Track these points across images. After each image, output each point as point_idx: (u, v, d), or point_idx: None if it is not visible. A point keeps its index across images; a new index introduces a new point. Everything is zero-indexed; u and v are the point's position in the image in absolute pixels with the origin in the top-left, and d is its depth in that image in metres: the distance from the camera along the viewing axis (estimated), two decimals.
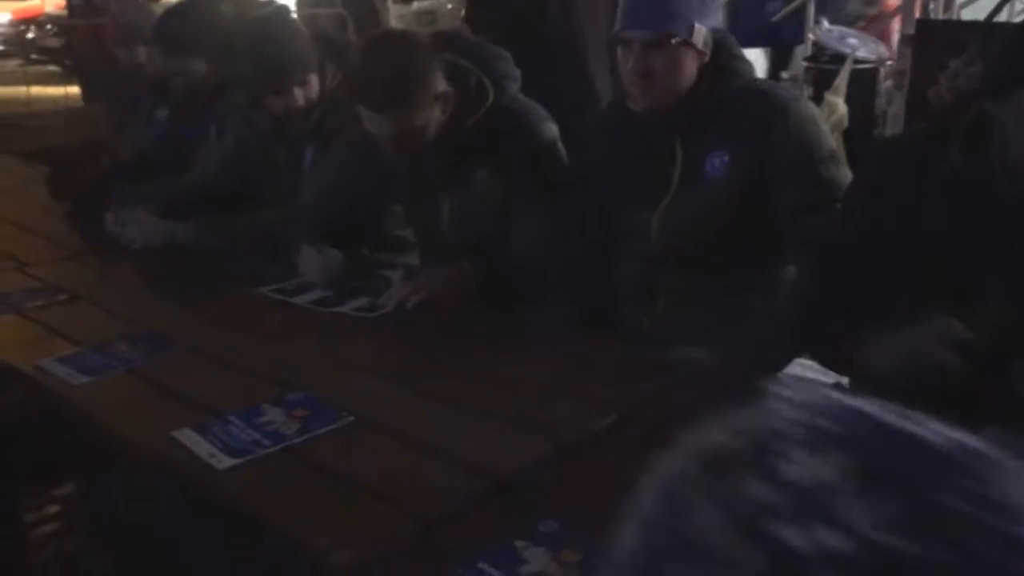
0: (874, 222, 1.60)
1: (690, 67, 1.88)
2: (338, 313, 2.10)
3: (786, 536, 0.38)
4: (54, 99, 7.24)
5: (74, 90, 6.36)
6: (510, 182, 2.23)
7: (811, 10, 6.29)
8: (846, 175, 1.90)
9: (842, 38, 6.12)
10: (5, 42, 14.69)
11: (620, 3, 1.89)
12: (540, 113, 2.26)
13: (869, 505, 0.39)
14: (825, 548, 0.38)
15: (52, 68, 13.91)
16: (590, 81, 3.46)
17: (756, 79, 2.02)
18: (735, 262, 1.96)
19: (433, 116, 2.12)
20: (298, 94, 2.54)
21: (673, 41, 1.84)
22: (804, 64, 6.08)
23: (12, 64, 13.85)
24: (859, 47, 5.99)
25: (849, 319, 1.58)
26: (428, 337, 1.95)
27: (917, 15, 6.09)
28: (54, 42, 14.15)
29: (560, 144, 2.26)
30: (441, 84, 2.11)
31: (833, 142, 1.96)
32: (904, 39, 5.78)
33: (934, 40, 5.32)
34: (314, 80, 2.58)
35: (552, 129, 2.25)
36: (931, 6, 6.05)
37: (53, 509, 2.93)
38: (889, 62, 5.96)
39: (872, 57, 5.91)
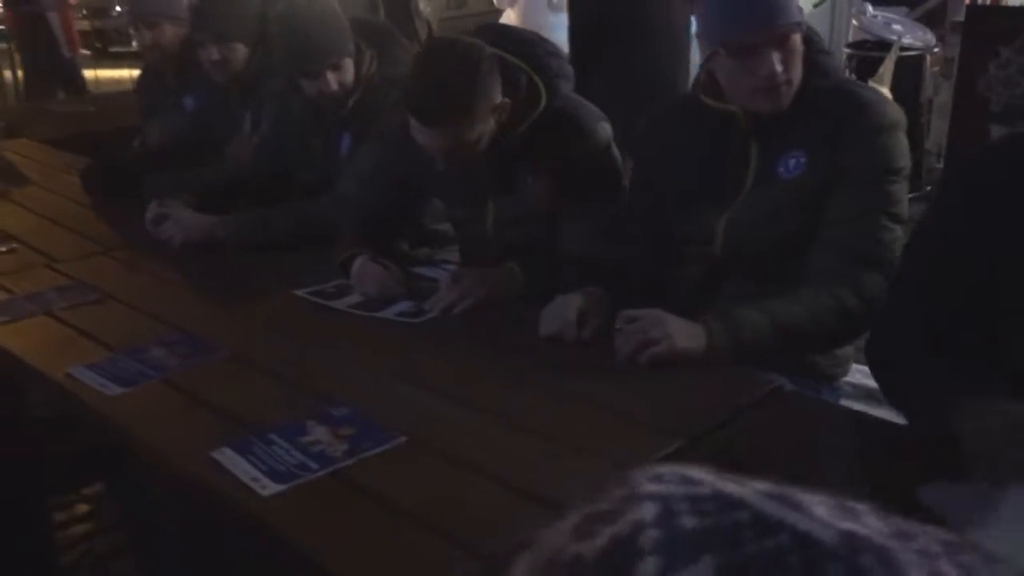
0: (977, 244, 1.44)
1: (801, 60, 1.77)
2: (381, 319, 2.00)
3: None
4: (91, 82, 7.16)
5: (104, 74, 6.29)
6: (560, 185, 2.12)
7: None
8: (905, 195, 1.79)
9: (887, 24, 5.94)
10: None
11: (719, 6, 1.75)
12: (594, 113, 2.14)
13: None
14: None
15: (82, 51, 13.90)
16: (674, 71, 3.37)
17: (845, 79, 1.88)
18: (802, 272, 1.81)
19: (488, 128, 2.01)
20: (331, 78, 2.45)
21: (796, 35, 1.73)
22: (847, 51, 5.90)
23: None
24: (905, 33, 5.81)
25: (943, 368, 1.41)
26: (482, 347, 1.84)
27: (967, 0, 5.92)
28: (84, 25, 14.14)
29: (613, 145, 2.15)
30: (498, 96, 2.00)
31: (908, 159, 1.80)
32: (953, 25, 5.62)
33: (984, 27, 5.15)
34: (349, 65, 2.49)
35: (606, 129, 2.14)
36: None
37: (83, 509, 2.86)
38: (936, 49, 5.79)
39: (918, 44, 5.73)
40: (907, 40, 5.75)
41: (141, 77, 3.58)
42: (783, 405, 1.58)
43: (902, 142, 1.78)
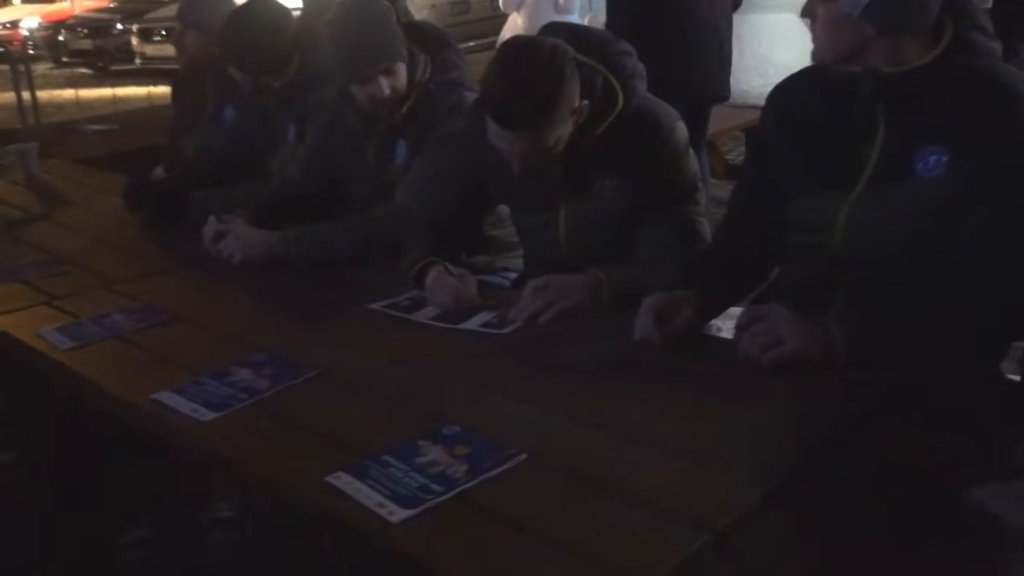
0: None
1: None
2: (465, 330, 1.93)
3: None
4: (103, 102, 7.11)
5: (123, 92, 6.24)
6: (638, 189, 2.06)
7: None
8: None
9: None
10: (35, 45, 14.65)
11: None
12: (671, 113, 2.07)
13: None
14: None
15: (83, 71, 13.89)
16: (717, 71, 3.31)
17: (998, 63, 1.65)
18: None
19: (566, 131, 1.95)
20: (384, 83, 2.39)
21: None
22: None
23: (43, 67, 13.82)
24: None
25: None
26: (584, 358, 1.76)
27: None
28: (86, 44, 14.12)
29: (690, 147, 2.09)
30: (577, 98, 1.94)
31: None
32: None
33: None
34: (402, 69, 2.43)
35: (683, 130, 2.08)
36: None
37: (140, 534, 2.79)
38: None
39: None
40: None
41: (177, 91, 3.53)
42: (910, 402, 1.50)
43: None
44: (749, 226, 1.92)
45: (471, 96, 2.44)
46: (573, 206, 2.13)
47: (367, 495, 1.32)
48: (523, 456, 1.40)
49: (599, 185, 2.09)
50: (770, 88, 1.92)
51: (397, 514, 1.28)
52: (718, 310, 1.92)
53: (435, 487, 1.33)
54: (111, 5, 15.54)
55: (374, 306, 2.06)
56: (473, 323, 1.95)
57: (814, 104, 1.78)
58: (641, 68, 2.11)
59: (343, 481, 1.36)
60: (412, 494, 1.32)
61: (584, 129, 2.00)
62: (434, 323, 1.97)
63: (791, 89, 1.88)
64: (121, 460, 2.38)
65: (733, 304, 1.93)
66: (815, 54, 1.73)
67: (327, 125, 2.69)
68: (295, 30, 2.92)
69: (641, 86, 2.09)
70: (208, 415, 1.60)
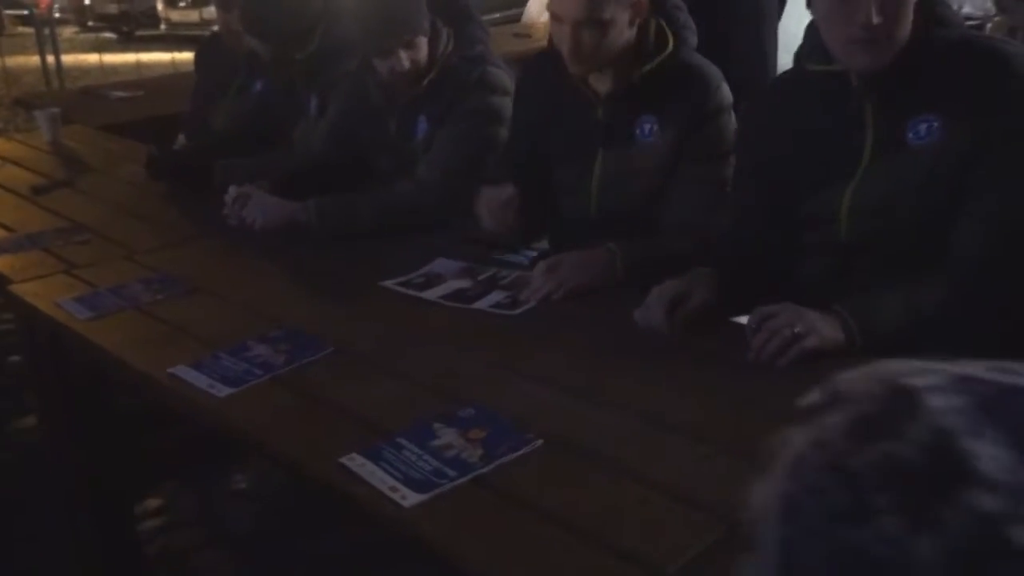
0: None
1: (908, 12, 1.60)
2: (476, 310, 1.91)
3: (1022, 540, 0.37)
4: (127, 67, 7.10)
5: (147, 58, 6.21)
6: (677, 140, 2.04)
7: None
8: None
9: None
10: (61, 9, 14.66)
11: None
12: (717, 72, 2.06)
13: None
14: None
15: (108, 35, 13.90)
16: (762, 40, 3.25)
17: (969, 31, 1.70)
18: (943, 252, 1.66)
19: (620, 25, 1.94)
20: (404, 56, 2.36)
21: None
22: None
23: (68, 31, 13.83)
24: (964, 3, 5.64)
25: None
26: (602, 340, 1.74)
27: None
28: (112, 8, 14.13)
29: (733, 112, 2.06)
30: None
31: None
32: None
33: None
34: (423, 43, 2.40)
35: (727, 91, 2.06)
36: None
37: (156, 503, 2.81)
38: (997, 17, 5.61)
39: (978, 13, 5.57)
40: (967, 9, 5.59)
41: (202, 58, 3.50)
42: None
43: None
44: (764, 228, 1.88)
45: (495, 72, 2.41)
46: (611, 152, 2.11)
47: (380, 478, 1.31)
48: (539, 442, 1.38)
49: (639, 131, 2.07)
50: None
51: (410, 498, 1.27)
52: (742, 303, 1.88)
53: (449, 471, 1.32)
54: None
55: (387, 283, 2.05)
56: (484, 303, 1.94)
57: (798, 104, 1.78)
58: (692, 24, 2.11)
59: (356, 463, 1.35)
60: (425, 478, 1.31)
61: (632, 65, 2.02)
62: (445, 302, 1.95)
63: (773, 95, 1.90)
64: (139, 429, 2.39)
65: (759, 297, 1.89)
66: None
67: (350, 97, 2.67)
68: (319, 2, 2.89)
69: (692, 39, 2.09)
70: (224, 390, 1.60)
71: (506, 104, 2.42)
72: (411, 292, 2.01)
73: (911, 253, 1.67)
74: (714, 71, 2.06)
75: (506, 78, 2.43)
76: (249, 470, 2.92)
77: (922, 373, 0.42)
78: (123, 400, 2.35)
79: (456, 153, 2.39)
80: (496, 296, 1.96)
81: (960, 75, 1.62)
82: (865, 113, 1.69)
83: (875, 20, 1.55)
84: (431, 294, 2.00)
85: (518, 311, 1.89)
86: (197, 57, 3.59)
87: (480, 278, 2.05)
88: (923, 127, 1.64)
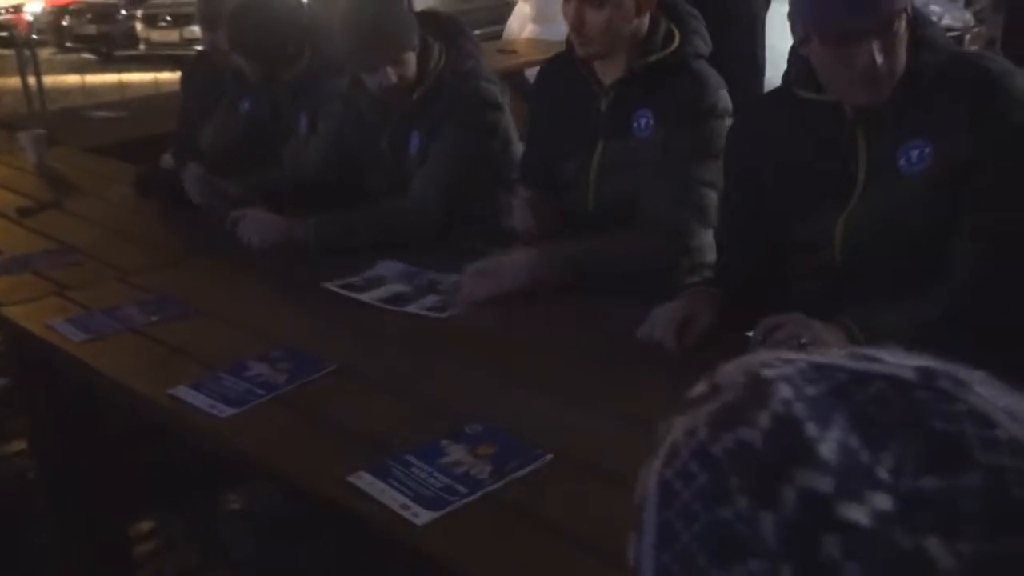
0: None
1: (904, 46, 1.61)
2: (408, 313, 1.95)
3: (852, 515, 0.40)
4: (108, 88, 7.06)
5: (129, 78, 6.18)
6: (668, 135, 2.07)
7: None
8: None
9: (925, 5, 5.83)
10: (39, 30, 14.57)
11: None
12: (720, 80, 2.11)
13: (891, 458, 0.41)
14: (879, 513, 0.40)
15: (87, 56, 13.83)
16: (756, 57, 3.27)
17: (958, 50, 1.71)
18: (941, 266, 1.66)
19: (625, 8, 2.02)
20: (391, 72, 2.35)
21: (899, 22, 1.56)
22: None
23: (47, 52, 13.75)
24: (943, 14, 5.72)
25: None
26: (604, 349, 1.74)
27: None
28: (90, 29, 14.05)
29: (729, 120, 2.08)
30: None
31: None
32: (996, 4, 5.51)
33: None
34: (411, 58, 2.38)
35: (725, 99, 2.09)
36: None
37: (148, 526, 2.78)
38: (976, 28, 5.69)
39: (958, 24, 5.65)
40: (946, 21, 5.66)
41: (189, 77, 3.49)
42: None
43: None
44: (753, 248, 1.88)
45: (488, 87, 2.41)
46: (610, 143, 2.15)
47: (391, 496, 1.30)
48: (549, 456, 1.38)
49: (636, 124, 2.11)
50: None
51: (422, 516, 1.25)
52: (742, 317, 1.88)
53: (460, 488, 1.31)
54: None
55: (328, 285, 2.09)
56: (417, 306, 1.97)
57: (786, 129, 1.78)
58: (706, 35, 2.15)
59: (365, 481, 1.33)
60: (436, 495, 1.29)
61: (639, 58, 2.09)
62: (382, 305, 1.99)
63: (760, 116, 1.89)
64: (131, 452, 2.36)
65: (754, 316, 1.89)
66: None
67: (342, 115, 2.66)
68: (306, 20, 2.89)
69: (700, 45, 2.13)
70: (227, 411, 1.58)
71: (499, 119, 2.44)
72: (350, 294, 2.06)
73: (905, 274, 1.66)
74: (715, 76, 2.10)
75: (498, 92, 2.44)
76: (242, 491, 2.89)
77: (780, 364, 0.45)
78: (115, 422, 2.31)
79: (451, 169, 2.38)
80: (431, 300, 2.00)
81: (949, 99, 1.62)
82: (857, 140, 1.69)
83: (879, 61, 1.55)
84: (369, 296, 2.04)
85: (447, 315, 1.93)
86: (184, 76, 3.57)
87: (417, 282, 2.09)
88: (914, 153, 1.64)
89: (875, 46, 1.54)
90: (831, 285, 1.75)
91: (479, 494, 1.30)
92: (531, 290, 1.94)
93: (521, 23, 8.72)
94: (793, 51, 1.74)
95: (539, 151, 2.32)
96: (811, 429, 0.42)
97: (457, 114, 2.41)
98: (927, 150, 1.63)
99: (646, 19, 2.09)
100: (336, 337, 1.88)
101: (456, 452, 1.40)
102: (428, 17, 2.55)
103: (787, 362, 0.46)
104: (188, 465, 2.59)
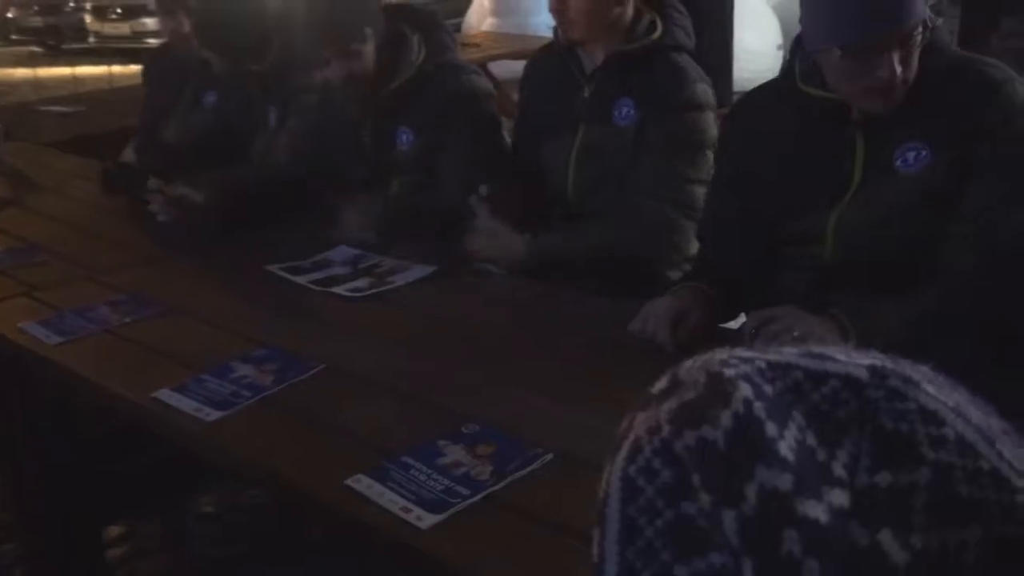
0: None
1: (918, 53, 1.60)
2: (334, 293, 2.02)
3: (811, 512, 0.41)
4: (57, 81, 6.89)
5: (81, 72, 6.02)
6: (648, 122, 2.09)
7: None
8: None
9: None
10: None
11: (837, 3, 1.58)
12: (700, 72, 2.13)
13: (846, 455, 0.43)
14: (836, 509, 0.42)
15: (34, 49, 13.53)
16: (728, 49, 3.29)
17: (961, 54, 1.71)
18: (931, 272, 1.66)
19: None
20: (340, 66, 2.31)
21: (918, 33, 1.55)
22: None
23: None
24: None
25: None
26: (595, 344, 1.73)
27: None
28: (37, 21, 13.73)
29: (710, 113, 2.09)
30: None
31: None
32: None
33: None
34: (364, 51, 2.33)
35: (705, 93, 2.10)
36: None
37: (122, 529, 2.72)
38: (940, 20, 5.73)
39: None
40: None
41: (151, 72, 3.41)
42: None
43: None
44: (739, 246, 1.86)
45: (478, 80, 2.40)
46: (591, 128, 2.17)
47: (390, 499, 1.27)
48: (549, 456, 1.36)
49: (616, 112, 2.13)
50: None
51: (425, 519, 1.23)
52: (728, 313, 1.87)
53: (461, 490, 1.29)
54: None
55: (272, 267, 2.16)
56: (343, 288, 2.04)
57: (786, 123, 1.77)
58: (689, 28, 2.18)
59: (363, 484, 1.31)
60: (438, 498, 1.27)
61: (621, 42, 2.13)
62: (312, 287, 2.06)
63: (758, 107, 1.88)
64: (105, 455, 2.31)
65: (740, 309, 1.88)
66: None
67: (316, 108, 2.61)
68: (274, 12, 2.83)
69: (683, 38, 2.15)
70: (213, 414, 1.54)
71: (494, 107, 2.46)
72: (287, 275, 2.13)
73: (895, 272, 1.67)
74: (696, 69, 2.11)
75: (488, 82, 2.43)
76: (216, 493, 2.84)
77: (740, 362, 0.47)
78: (89, 425, 2.26)
79: (472, 171, 2.31)
80: (361, 283, 2.06)
81: (950, 103, 1.63)
82: (856, 139, 1.69)
83: (898, 72, 1.55)
84: (304, 278, 2.11)
85: (362, 295, 2.00)
86: (146, 69, 3.49)
87: (361, 266, 2.16)
88: (911, 155, 1.65)
89: (895, 57, 1.54)
90: (820, 279, 1.75)
91: (481, 495, 1.28)
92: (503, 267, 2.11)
93: (480, 16, 8.69)
94: (796, 47, 1.74)
95: (528, 140, 2.34)
96: (771, 429, 0.43)
97: (455, 113, 2.36)
98: (924, 152, 1.64)
99: (630, 8, 2.11)
100: (322, 335, 1.85)
101: (454, 452, 1.38)
102: (403, 10, 2.51)
103: (746, 361, 0.47)
104: (161, 468, 2.54)
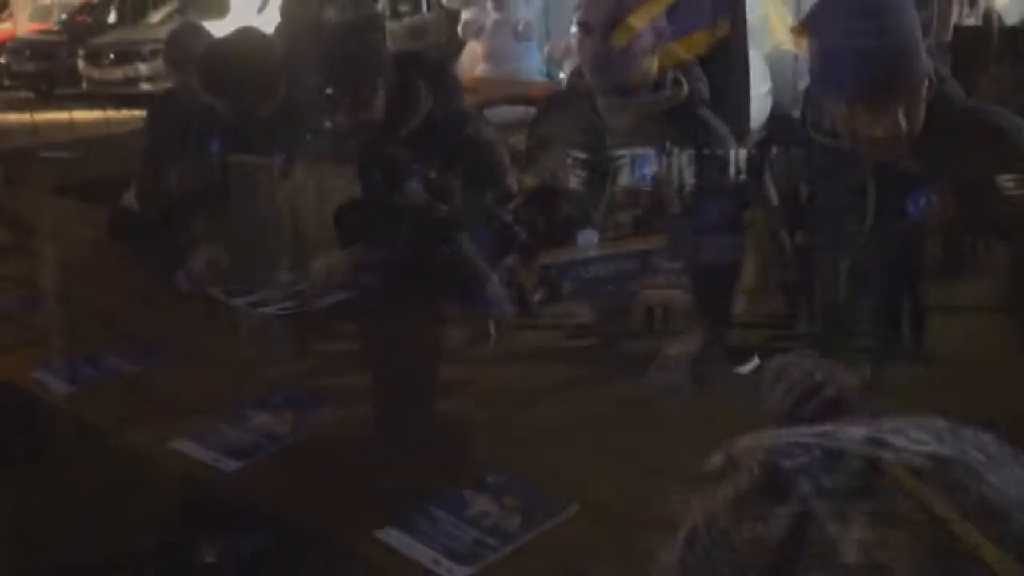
0: None
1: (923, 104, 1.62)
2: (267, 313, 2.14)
3: None
4: (52, 127, 6.91)
5: (81, 116, 6.04)
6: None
7: None
8: None
9: None
10: None
11: (847, 58, 1.58)
12: (726, 129, 2.15)
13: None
14: None
15: (25, 94, 13.55)
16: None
17: (970, 103, 1.72)
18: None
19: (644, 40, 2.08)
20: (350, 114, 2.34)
21: (923, 87, 1.57)
22: None
23: None
24: None
25: None
26: (607, 389, 1.73)
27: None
28: (29, 67, 13.77)
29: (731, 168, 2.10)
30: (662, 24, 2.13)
31: None
32: (942, 45, 5.67)
33: (973, 46, 5.21)
34: (372, 99, 2.34)
35: (731, 145, 2.12)
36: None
37: None
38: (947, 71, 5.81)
39: None
40: None
41: (154, 117, 3.42)
42: None
43: None
44: None
45: (487, 127, 2.43)
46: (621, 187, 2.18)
47: (420, 551, 1.26)
48: (575, 507, 1.35)
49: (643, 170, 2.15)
50: None
51: (456, 572, 1.21)
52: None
53: (490, 541, 1.28)
54: (55, 28, 15.20)
55: (211, 291, 2.28)
56: (274, 307, 2.16)
57: (806, 171, 1.79)
58: (706, 82, 2.23)
59: (393, 537, 1.29)
60: (468, 550, 1.26)
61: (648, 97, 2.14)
62: (247, 308, 2.19)
63: (776, 147, 1.89)
64: (108, 505, 2.27)
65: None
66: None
67: (328, 149, 2.63)
68: (280, 55, 2.85)
69: (704, 92, 2.20)
70: (232, 465, 1.53)
71: (504, 154, 2.45)
72: (224, 298, 2.24)
73: (907, 314, 1.70)
74: (721, 125, 2.14)
75: (494, 130, 2.45)
76: (217, 542, 2.79)
77: (796, 450, 0.48)
78: (96, 475, 2.23)
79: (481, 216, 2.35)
80: (287, 304, 2.19)
81: (959, 150, 1.64)
82: (868, 185, 1.71)
83: (902, 125, 1.57)
84: (239, 300, 2.23)
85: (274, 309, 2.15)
86: (150, 115, 3.49)
87: (293, 290, 2.26)
88: (922, 200, 1.67)
89: (900, 111, 1.56)
90: (834, 323, 1.76)
91: (511, 547, 1.26)
92: None
93: (472, 62, 8.76)
94: (807, 95, 1.76)
95: (540, 187, 2.31)
96: (830, 527, 0.45)
97: (467, 160, 2.37)
98: (933, 198, 1.66)
99: (655, 61, 2.11)
100: (336, 375, 1.84)
101: (481, 503, 1.36)
102: (412, 57, 2.53)
103: (803, 448, 0.48)
104: (163, 516, 2.50)
